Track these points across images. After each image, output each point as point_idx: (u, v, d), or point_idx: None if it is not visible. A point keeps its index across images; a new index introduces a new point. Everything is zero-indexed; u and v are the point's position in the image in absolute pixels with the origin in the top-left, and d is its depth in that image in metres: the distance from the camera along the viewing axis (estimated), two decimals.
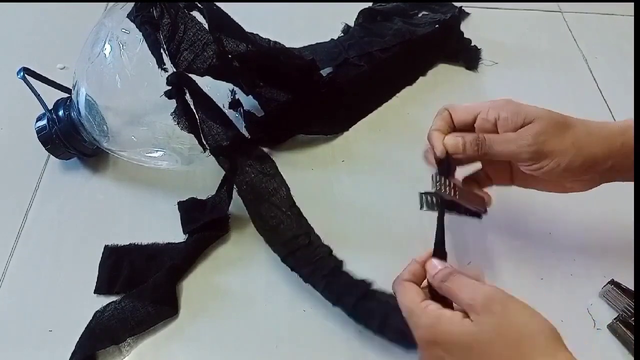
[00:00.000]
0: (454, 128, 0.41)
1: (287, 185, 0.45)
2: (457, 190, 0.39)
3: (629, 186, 0.52)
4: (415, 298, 0.36)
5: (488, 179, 0.43)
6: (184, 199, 0.48)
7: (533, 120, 0.37)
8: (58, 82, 0.49)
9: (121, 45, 0.43)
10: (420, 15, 0.67)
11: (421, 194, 0.39)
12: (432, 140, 0.40)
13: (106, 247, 0.45)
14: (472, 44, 0.64)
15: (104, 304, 0.41)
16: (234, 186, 0.45)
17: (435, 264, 0.37)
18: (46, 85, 0.48)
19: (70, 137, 0.47)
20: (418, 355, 0.36)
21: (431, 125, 0.41)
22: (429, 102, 0.58)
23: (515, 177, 0.43)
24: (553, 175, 0.38)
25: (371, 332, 0.40)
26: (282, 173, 0.46)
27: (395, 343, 0.40)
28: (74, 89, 0.45)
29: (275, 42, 0.56)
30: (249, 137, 0.49)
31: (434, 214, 0.39)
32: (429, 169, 0.52)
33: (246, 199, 0.44)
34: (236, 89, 0.51)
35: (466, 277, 0.35)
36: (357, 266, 0.45)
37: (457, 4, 0.68)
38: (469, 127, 0.40)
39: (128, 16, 0.42)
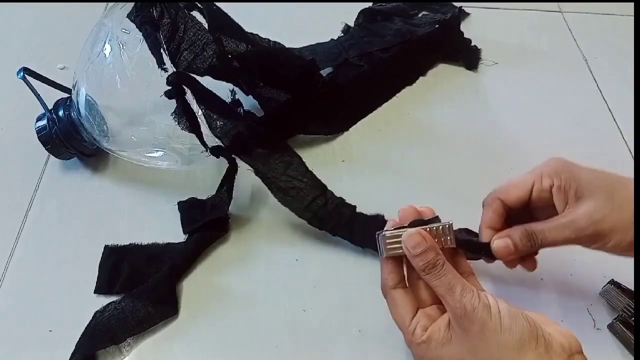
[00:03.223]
0: (505, 216, 0.38)
1: (298, 155, 0.46)
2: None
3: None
4: (405, 317, 0.33)
5: None
6: (184, 199, 0.48)
7: (584, 193, 0.34)
8: (58, 82, 0.49)
9: (121, 45, 0.43)
10: (420, 15, 0.67)
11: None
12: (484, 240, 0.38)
13: (106, 247, 0.45)
14: (472, 44, 0.64)
15: (104, 304, 0.41)
16: (251, 170, 0.45)
17: (418, 241, 0.33)
18: (46, 85, 0.48)
19: (70, 137, 0.47)
20: None
21: (481, 219, 0.38)
22: (429, 102, 0.59)
23: None
24: (616, 251, 0.35)
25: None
26: None
27: None
28: (74, 89, 0.45)
29: (275, 42, 0.56)
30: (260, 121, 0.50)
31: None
32: (428, 169, 0.52)
33: (265, 178, 0.45)
34: (236, 89, 0.52)
35: (453, 271, 0.32)
36: (357, 265, 0.45)
37: (457, 4, 0.68)
38: (524, 205, 0.38)
39: (128, 16, 0.42)
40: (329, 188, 0.48)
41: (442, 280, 0.32)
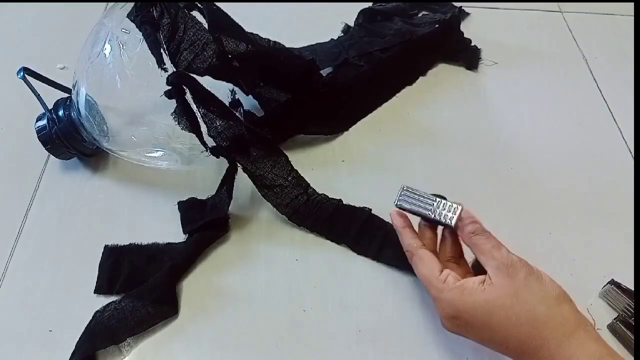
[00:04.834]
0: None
1: (284, 154, 0.47)
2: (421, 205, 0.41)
3: (629, 186, 0.52)
4: (434, 269, 0.37)
5: None
6: (184, 199, 0.48)
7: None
8: (58, 82, 0.49)
9: (121, 45, 0.43)
10: (420, 15, 0.67)
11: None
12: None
13: (106, 247, 0.45)
14: (472, 44, 0.64)
15: (104, 304, 0.41)
16: (239, 166, 0.45)
17: (470, 214, 0.39)
18: (46, 85, 0.48)
19: (70, 137, 0.47)
20: (440, 320, 0.38)
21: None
22: (429, 102, 0.59)
23: None
24: None
25: (370, 259, 0.45)
26: None
27: (393, 266, 0.45)
28: (74, 89, 0.45)
29: (275, 42, 0.56)
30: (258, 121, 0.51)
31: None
32: (428, 169, 0.52)
33: (252, 175, 0.46)
34: (236, 89, 0.52)
35: (496, 239, 0.37)
36: (356, 265, 0.45)
37: (457, 4, 0.68)
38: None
39: (128, 16, 0.42)
40: (329, 188, 0.48)
41: (490, 240, 0.37)
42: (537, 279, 0.35)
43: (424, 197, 0.41)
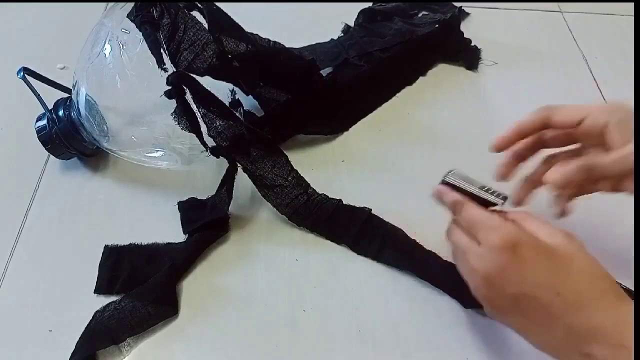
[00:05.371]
0: (536, 136, 0.41)
1: (284, 154, 0.47)
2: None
3: None
4: (485, 213, 0.36)
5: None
6: (184, 199, 0.48)
7: None
8: (58, 82, 0.49)
9: (121, 45, 0.43)
10: (420, 15, 0.67)
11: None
12: (508, 129, 0.41)
13: (106, 247, 0.45)
14: (472, 44, 0.64)
15: (104, 304, 0.41)
16: (239, 166, 0.45)
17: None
18: (46, 85, 0.48)
19: (70, 137, 0.47)
20: (472, 283, 0.36)
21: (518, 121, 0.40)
22: (429, 102, 0.59)
23: None
24: None
25: (370, 259, 0.45)
26: None
27: (393, 266, 0.45)
28: (74, 89, 0.45)
29: (275, 42, 0.56)
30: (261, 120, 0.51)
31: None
32: (428, 169, 0.52)
33: (252, 175, 0.46)
34: (236, 89, 0.52)
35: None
36: (356, 265, 0.45)
37: (457, 4, 0.68)
38: (564, 128, 0.40)
39: (128, 16, 0.42)
40: (329, 188, 0.48)
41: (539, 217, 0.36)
42: (585, 257, 0.35)
43: (472, 180, 0.40)
